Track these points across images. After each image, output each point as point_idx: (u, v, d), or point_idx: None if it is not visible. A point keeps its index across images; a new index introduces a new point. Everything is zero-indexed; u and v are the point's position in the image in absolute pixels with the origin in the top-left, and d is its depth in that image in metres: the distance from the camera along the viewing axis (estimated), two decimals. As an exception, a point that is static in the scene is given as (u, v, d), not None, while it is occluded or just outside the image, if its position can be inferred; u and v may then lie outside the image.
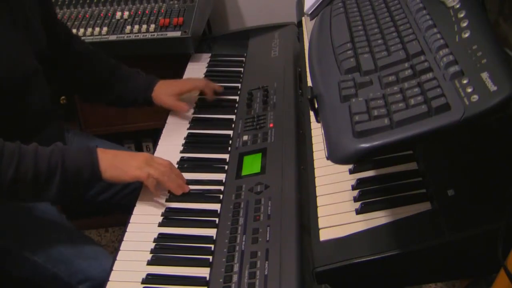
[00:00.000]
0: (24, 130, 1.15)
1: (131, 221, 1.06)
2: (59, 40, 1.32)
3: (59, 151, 1.02)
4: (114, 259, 0.97)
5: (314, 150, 1.08)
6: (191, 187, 1.11)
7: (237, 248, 0.93)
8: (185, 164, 1.18)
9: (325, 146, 0.76)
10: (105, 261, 1.11)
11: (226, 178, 1.12)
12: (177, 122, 1.34)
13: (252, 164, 1.12)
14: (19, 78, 1.11)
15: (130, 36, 1.57)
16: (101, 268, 1.10)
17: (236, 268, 0.89)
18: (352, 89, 0.78)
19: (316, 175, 1.02)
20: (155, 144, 1.30)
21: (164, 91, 1.35)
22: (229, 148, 1.21)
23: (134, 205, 1.09)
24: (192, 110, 1.38)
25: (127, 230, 1.04)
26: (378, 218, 0.88)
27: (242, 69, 1.53)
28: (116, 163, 1.05)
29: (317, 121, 0.83)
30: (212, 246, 0.96)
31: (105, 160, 1.04)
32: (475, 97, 0.65)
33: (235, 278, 0.88)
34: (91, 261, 1.13)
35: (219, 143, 1.24)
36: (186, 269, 0.94)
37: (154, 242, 1.00)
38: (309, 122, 1.16)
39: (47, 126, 1.23)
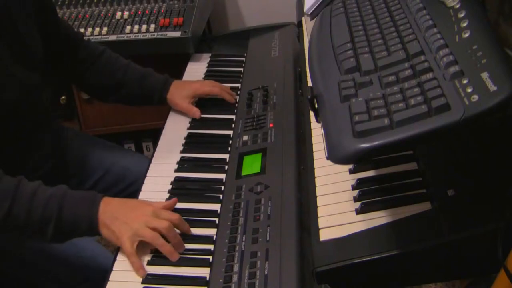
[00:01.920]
0: (18, 131, 1.13)
1: (131, 221, 1.06)
2: (64, 45, 1.28)
3: (59, 198, 0.96)
4: (114, 259, 0.97)
5: (314, 150, 1.08)
6: (191, 186, 1.11)
7: (237, 248, 0.93)
8: (185, 164, 1.18)
9: (325, 146, 0.76)
10: (105, 261, 1.11)
11: (226, 178, 1.12)
12: (177, 122, 1.34)
13: (252, 164, 1.12)
14: (10, 99, 1.06)
15: (130, 36, 1.57)
16: (101, 268, 1.10)
17: (236, 268, 0.89)
18: (352, 89, 0.78)
19: (316, 175, 1.02)
20: (155, 144, 1.30)
21: (179, 93, 1.33)
22: (229, 148, 1.21)
23: (134, 205, 1.09)
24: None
25: (127, 230, 1.03)
26: (378, 218, 0.88)
27: (242, 69, 1.53)
28: (113, 223, 0.96)
29: (317, 121, 0.83)
30: (212, 246, 0.96)
31: (104, 217, 0.96)
32: (475, 97, 0.65)
33: (235, 278, 0.88)
34: (90, 261, 1.13)
35: (219, 143, 1.24)
36: (186, 269, 0.94)
37: (154, 242, 1.00)
38: (309, 122, 1.16)
39: (42, 126, 1.23)
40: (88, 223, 0.96)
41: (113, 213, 0.96)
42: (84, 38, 1.34)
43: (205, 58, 1.62)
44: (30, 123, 1.16)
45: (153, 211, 0.97)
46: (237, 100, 1.38)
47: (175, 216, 0.98)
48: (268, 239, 0.93)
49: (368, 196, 0.92)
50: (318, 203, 0.95)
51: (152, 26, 1.58)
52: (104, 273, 0.96)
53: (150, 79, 1.34)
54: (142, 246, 0.96)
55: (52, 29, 1.23)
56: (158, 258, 0.96)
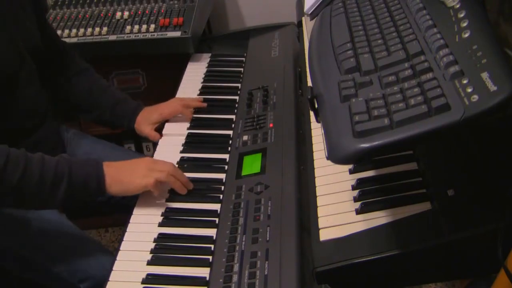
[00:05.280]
0: (18, 129, 1.14)
1: (131, 221, 1.06)
2: (49, 51, 1.30)
3: (66, 161, 1.01)
4: (114, 259, 0.97)
5: (314, 150, 1.08)
6: (191, 186, 1.11)
7: (237, 248, 0.93)
8: (185, 164, 1.18)
9: (325, 146, 0.76)
10: (106, 259, 1.11)
11: (226, 178, 1.12)
12: (177, 122, 1.34)
13: (252, 164, 1.12)
14: (5, 71, 1.10)
15: (130, 36, 1.57)
16: (102, 266, 1.10)
17: (236, 268, 0.89)
18: (352, 89, 0.78)
19: (316, 175, 1.02)
20: (155, 144, 1.30)
21: (144, 121, 1.34)
22: (229, 148, 1.21)
23: (134, 205, 1.09)
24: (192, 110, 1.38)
25: (127, 230, 1.04)
26: (378, 218, 0.88)
27: (242, 69, 1.53)
28: (121, 177, 1.04)
29: (317, 121, 0.83)
30: (212, 246, 0.96)
31: (110, 175, 1.03)
32: (475, 97, 0.65)
33: (235, 278, 0.88)
34: (91, 260, 1.13)
35: (219, 143, 1.24)
36: (186, 269, 0.94)
37: (154, 242, 1.00)
38: (309, 122, 1.16)
39: (42, 125, 1.23)
40: (97, 181, 1.02)
41: (118, 170, 1.05)
42: (72, 51, 1.37)
43: (205, 58, 1.62)
44: (24, 121, 1.17)
45: (150, 162, 1.09)
46: (237, 100, 1.38)
47: (169, 163, 1.10)
48: (268, 239, 0.93)
49: (368, 196, 0.92)
50: (318, 203, 0.95)
51: (152, 26, 1.57)
52: (105, 271, 0.97)
53: (121, 108, 1.36)
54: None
55: (44, 30, 1.26)
56: (158, 258, 0.96)
